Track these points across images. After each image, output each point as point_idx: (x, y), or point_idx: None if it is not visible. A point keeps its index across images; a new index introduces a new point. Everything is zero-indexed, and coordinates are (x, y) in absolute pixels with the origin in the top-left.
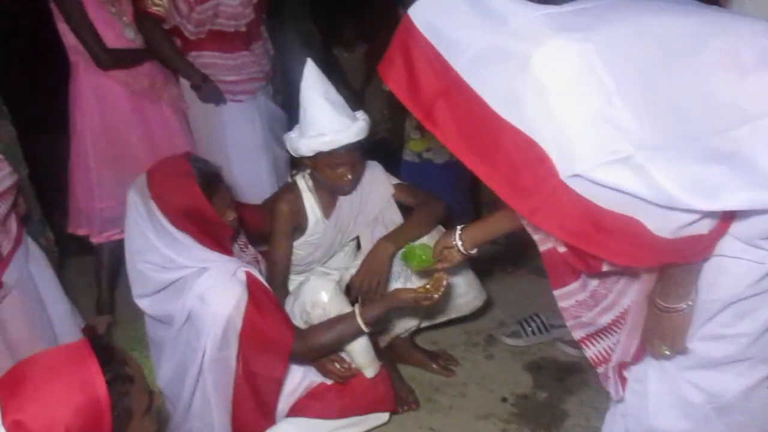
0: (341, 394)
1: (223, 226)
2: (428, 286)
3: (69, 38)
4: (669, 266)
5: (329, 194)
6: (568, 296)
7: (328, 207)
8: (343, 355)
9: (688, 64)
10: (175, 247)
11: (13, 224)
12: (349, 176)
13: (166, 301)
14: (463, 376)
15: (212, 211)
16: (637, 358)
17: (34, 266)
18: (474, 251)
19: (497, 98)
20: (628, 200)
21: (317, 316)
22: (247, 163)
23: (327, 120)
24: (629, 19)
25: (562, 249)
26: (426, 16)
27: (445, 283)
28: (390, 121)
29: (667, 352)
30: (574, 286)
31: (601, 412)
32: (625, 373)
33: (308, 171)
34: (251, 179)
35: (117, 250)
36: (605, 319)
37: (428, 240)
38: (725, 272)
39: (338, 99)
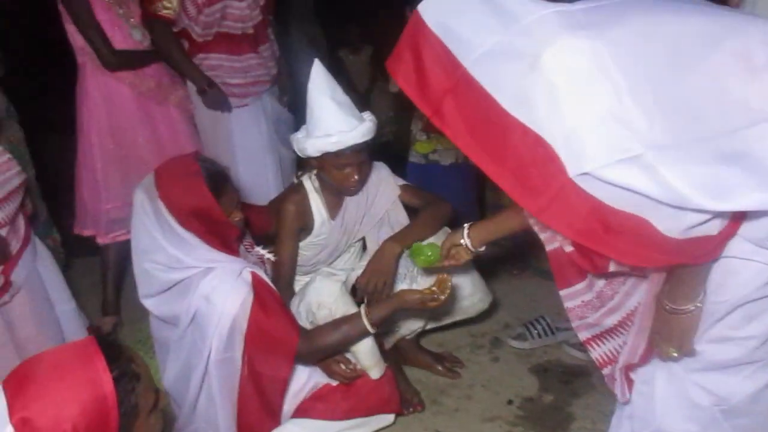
0: (346, 396)
1: (230, 226)
2: (434, 288)
3: (77, 39)
4: (677, 267)
5: (335, 195)
6: (574, 296)
7: (334, 208)
8: (348, 356)
9: (699, 64)
10: (182, 247)
11: (21, 223)
12: (356, 177)
13: (171, 302)
14: (469, 379)
15: (220, 211)
16: (645, 359)
17: (42, 266)
18: (482, 249)
19: (506, 96)
20: (637, 200)
21: (323, 317)
22: (253, 165)
23: (334, 120)
24: (640, 18)
25: (568, 249)
26: (436, 12)
27: (449, 284)
28: (395, 122)
29: (675, 354)
30: (580, 286)
31: (607, 415)
32: (632, 375)
33: (314, 172)
34: (257, 180)
35: (123, 250)
36: (611, 321)
37: (434, 241)
38: (734, 274)
39: (345, 99)
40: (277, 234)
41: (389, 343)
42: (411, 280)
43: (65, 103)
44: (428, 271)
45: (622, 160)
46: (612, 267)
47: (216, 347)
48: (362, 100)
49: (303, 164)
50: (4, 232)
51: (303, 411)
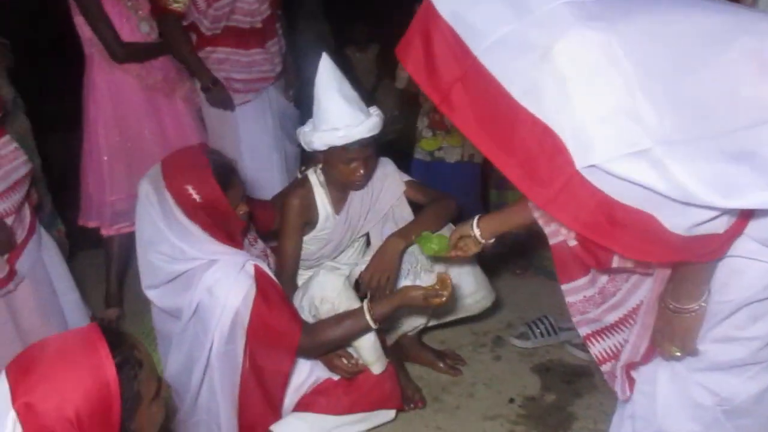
0: (348, 390)
1: (236, 218)
2: (436, 286)
3: (85, 31)
4: (681, 265)
5: (340, 189)
6: (576, 291)
7: (338, 202)
8: (350, 351)
9: (711, 61)
10: (186, 238)
11: (27, 213)
12: (362, 171)
13: (174, 293)
14: (471, 377)
15: (227, 203)
16: (647, 358)
17: (47, 256)
18: (491, 241)
19: (516, 85)
20: (644, 194)
21: (326, 311)
22: (259, 159)
23: (341, 114)
24: (654, 12)
25: (572, 243)
26: (447, 0)
27: (449, 282)
28: (401, 120)
29: (678, 354)
30: (583, 281)
31: (609, 416)
32: (634, 374)
33: (320, 166)
34: (262, 174)
35: (127, 242)
36: (612, 317)
37: None
38: (739, 273)
39: (352, 94)
40: (282, 228)
41: (391, 339)
42: (414, 276)
43: (72, 98)
44: (432, 266)
45: (630, 153)
46: (615, 263)
47: (218, 340)
48: (368, 98)
49: (307, 160)
50: (9, 221)
51: (304, 405)
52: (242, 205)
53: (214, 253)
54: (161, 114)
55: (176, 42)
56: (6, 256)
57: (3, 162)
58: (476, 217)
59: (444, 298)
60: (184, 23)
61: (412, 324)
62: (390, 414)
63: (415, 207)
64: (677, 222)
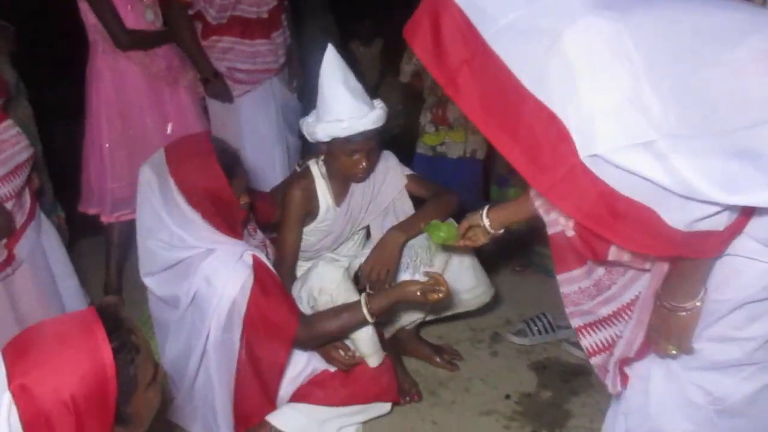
0: (344, 382)
1: (238, 208)
2: (431, 281)
3: (89, 17)
4: (679, 262)
5: (342, 182)
6: (571, 282)
7: (340, 194)
8: (347, 343)
9: (720, 58)
10: (186, 226)
11: (27, 198)
12: (364, 164)
13: (172, 281)
14: (467, 372)
15: (231, 192)
16: (641, 354)
17: (46, 241)
18: (500, 232)
19: (525, 70)
20: (645, 187)
21: (324, 303)
22: (261, 150)
23: (345, 106)
24: (666, 6)
25: (570, 233)
26: None
27: (443, 280)
28: (404, 115)
29: (674, 352)
30: (578, 272)
31: (604, 414)
32: (628, 371)
33: (321, 158)
34: (264, 165)
35: (127, 230)
36: (606, 310)
37: None
38: (738, 273)
39: (357, 86)
40: (282, 218)
41: (389, 332)
42: (414, 269)
43: (75, 87)
44: (432, 260)
45: (634, 145)
46: (611, 255)
47: (215, 329)
48: (372, 93)
49: (306, 154)
50: (9, 205)
51: (301, 396)
52: (244, 196)
53: (212, 242)
54: (164, 102)
55: (180, 31)
56: (5, 241)
57: (4, 146)
58: (486, 207)
59: (441, 294)
60: (190, 12)
61: (410, 318)
62: (386, 407)
63: (417, 201)
64: (677, 217)
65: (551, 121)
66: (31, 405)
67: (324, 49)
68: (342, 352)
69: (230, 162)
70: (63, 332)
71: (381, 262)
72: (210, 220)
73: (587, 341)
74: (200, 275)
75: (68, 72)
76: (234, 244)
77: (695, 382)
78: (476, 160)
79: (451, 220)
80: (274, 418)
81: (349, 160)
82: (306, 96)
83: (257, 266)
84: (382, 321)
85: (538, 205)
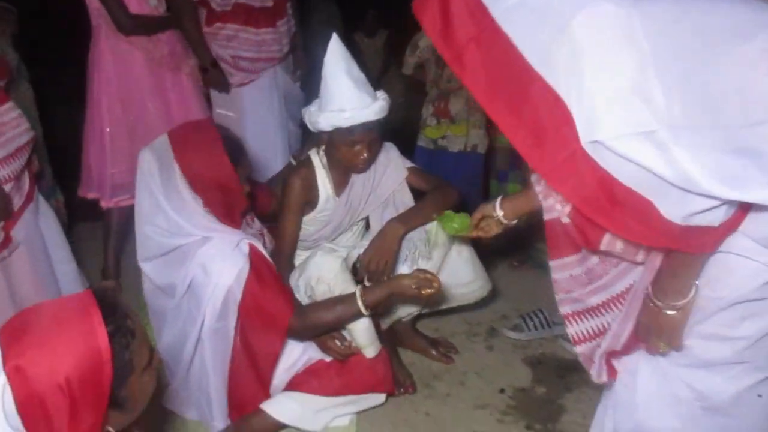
0: (340, 372)
1: (241, 197)
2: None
3: (93, 1)
4: (671, 258)
5: (343, 172)
6: (563, 269)
7: (340, 185)
8: (344, 333)
9: (728, 53)
10: (184, 212)
11: (26, 181)
12: (365, 155)
13: (168, 268)
14: (462, 365)
15: (237, 181)
16: (628, 349)
17: (44, 224)
18: (514, 222)
19: (533, 50)
20: (644, 177)
21: (321, 292)
22: (262, 138)
23: (348, 96)
24: None
25: (565, 220)
26: None
27: (434, 277)
28: (406, 108)
29: (664, 349)
30: (571, 259)
31: None
32: (617, 364)
33: (323, 147)
34: (265, 154)
35: (126, 216)
36: (595, 299)
37: (437, 226)
38: (731, 270)
39: (360, 76)
40: (282, 207)
41: (385, 324)
42: (412, 262)
43: (77, 70)
44: (431, 253)
45: (635, 133)
46: (603, 245)
47: (210, 316)
48: (375, 85)
49: (303, 147)
50: (8, 188)
51: (296, 385)
52: (246, 185)
53: (209, 230)
54: (166, 89)
55: (183, 17)
56: (2, 224)
57: (5, 129)
58: (499, 198)
59: (433, 290)
60: None
61: (407, 310)
62: (380, 398)
63: (417, 194)
64: (674, 211)
65: (556, 104)
66: (26, 386)
67: (328, 39)
68: (338, 342)
69: (235, 150)
70: (59, 315)
71: (379, 254)
72: (211, 208)
73: (573, 329)
74: (196, 263)
75: (70, 55)
76: (231, 232)
77: (683, 378)
78: (477, 155)
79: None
80: (268, 406)
81: (350, 150)
82: (309, 85)
83: (253, 255)
84: (378, 313)
85: (538, 190)
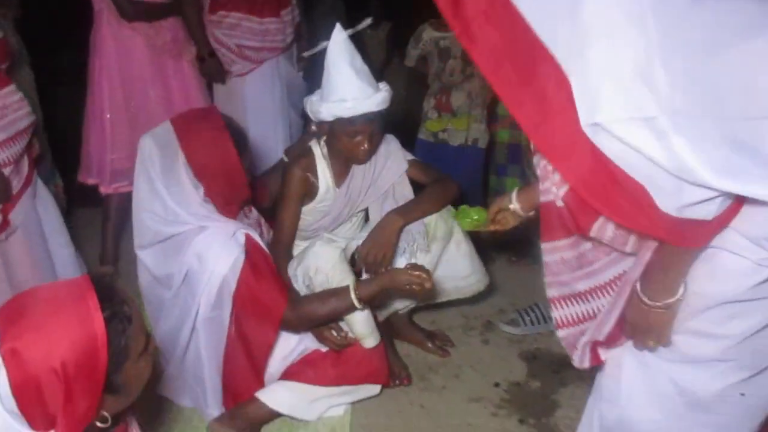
0: (335, 363)
1: (245, 186)
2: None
3: None
4: (661, 253)
5: (343, 163)
6: (554, 251)
7: (340, 176)
8: (342, 324)
9: (735, 46)
10: (182, 200)
11: (25, 164)
12: (366, 146)
13: (164, 257)
14: (458, 359)
15: (242, 170)
16: (611, 341)
17: (42, 208)
18: (531, 213)
19: (543, 27)
20: (640, 163)
21: (319, 282)
22: (264, 127)
23: (350, 86)
24: None
25: (560, 204)
26: None
27: (426, 275)
28: (408, 100)
29: (652, 344)
30: (563, 243)
31: None
32: (603, 354)
33: (324, 138)
34: (265, 143)
35: (125, 202)
36: (583, 285)
37: (436, 219)
38: (722, 267)
39: (363, 67)
40: (281, 197)
41: (382, 316)
42: (410, 254)
43: (78, 55)
44: (429, 246)
45: (635, 118)
46: (593, 232)
47: (204, 305)
48: (377, 76)
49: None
50: (7, 171)
51: (291, 374)
52: (247, 175)
53: (205, 219)
54: (167, 76)
55: (186, 4)
56: (0, 207)
57: (6, 112)
58: (515, 190)
59: (428, 285)
60: None
61: (404, 302)
62: (375, 389)
63: (417, 187)
64: (668, 202)
65: (562, 83)
66: (21, 369)
67: (331, 29)
68: (334, 333)
69: (239, 139)
70: (56, 299)
71: (378, 246)
72: (212, 197)
73: (558, 313)
74: (192, 251)
75: (72, 40)
76: (227, 222)
77: (667, 373)
78: (478, 149)
79: (446, 210)
80: (263, 395)
81: (350, 141)
82: (312, 76)
83: (249, 245)
84: (375, 305)
85: (539, 173)
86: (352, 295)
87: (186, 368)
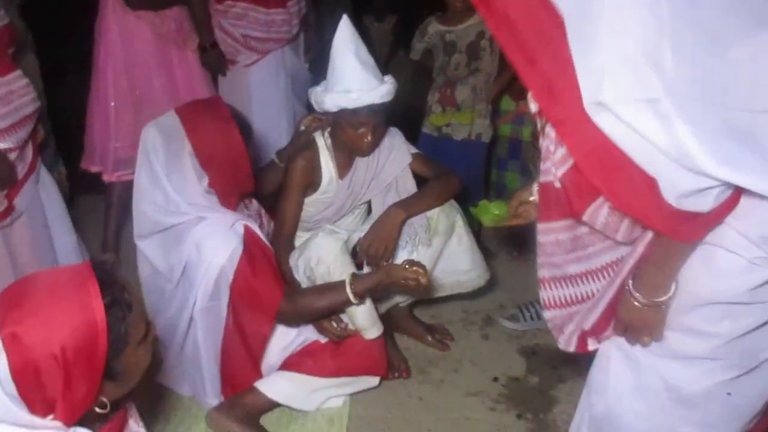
0: (335, 354)
1: (250, 177)
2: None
3: None
4: (655, 248)
5: (347, 155)
6: (549, 232)
7: (343, 167)
8: (342, 316)
9: (747, 38)
10: (183, 190)
11: (29, 150)
12: (369, 138)
13: (163, 247)
14: (457, 353)
15: (248, 160)
16: (596, 332)
17: (45, 195)
18: None
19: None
20: (641, 147)
21: (321, 274)
22: (268, 118)
23: (355, 77)
24: None
25: (557, 185)
26: None
27: (421, 269)
28: (412, 94)
29: (647, 341)
30: (559, 224)
31: None
32: (591, 345)
33: (328, 129)
34: (270, 134)
35: (128, 190)
36: (575, 269)
37: (438, 213)
38: (717, 265)
39: (368, 58)
40: (284, 188)
41: (383, 308)
42: (412, 248)
43: (82, 43)
44: (431, 240)
45: (639, 100)
46: (586, 216)
47: (201, 295)
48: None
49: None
50: (12, 157)
51: (291, 365)
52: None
53: (205, 210)
54: (172, 65)
55: None
56: (5, 192)
57: (12, 97)
58: (536, 182)
59: (423, 280)
60: None
61: (404, 295)
62: (374, 381)
63: (420, 180)
64: (665, 189)
65: (568, 63)
66: (21, 354)
67: (337, 21)
68: (334, 324)
69: (244, 130)
70: (57, 284)
71: (380, 238)
72: (216, 187)
73: (546, 294)
74: (191, 242)
75: (77, 27)
76: (227, 213)
77: (654, 368)
78: (481, 144)
79: (449, 204)
80: (262, 385)
81: (354, 133)
82: (317, 67)
83: (248, 236)
84: (375, 297)
85: (542, 139)
86: (348, 290)
87: (185, 357)
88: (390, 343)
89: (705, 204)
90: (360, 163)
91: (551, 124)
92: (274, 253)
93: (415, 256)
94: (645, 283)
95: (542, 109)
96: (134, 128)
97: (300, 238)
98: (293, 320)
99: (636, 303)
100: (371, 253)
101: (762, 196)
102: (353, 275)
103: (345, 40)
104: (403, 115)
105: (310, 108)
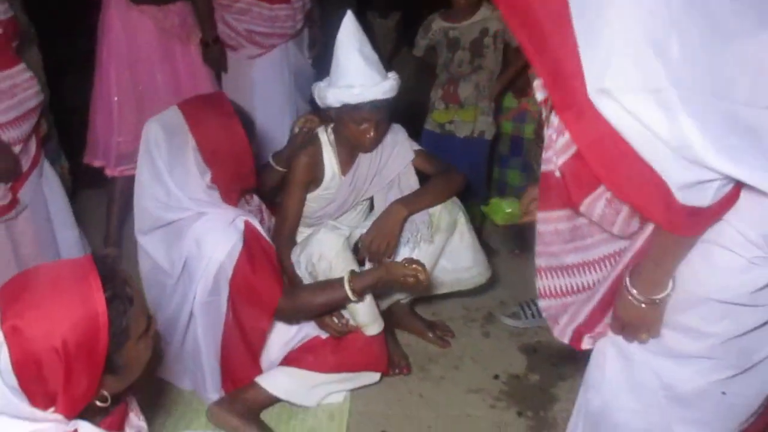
0: (335, 350)
1: (252, 173)
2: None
3: None
4: (654, 243)
5: (349, 151)
6: (549, 221)
7: (346, 163)
8: (344, 312)
9: (749, 33)
10: (184, 185)
11: (33, 144)
12: (372, 134)
13: (164, 243)
14: (458, 350)
15: (252, 156)
16: (588, 327)
17: (47, 188)
18: None
19: None
20: (642, 137)
21: (322, 270)
22: (271, 114)
23: (358, 73)
24: None
25: (558, 174)
26: None
27: (420, 267)
28: (415, 90)
29: (645, 338)
30: (559, 214)
31: None
32: (586, 343)
33: (331, 125)
34: (273, 130)
35: (130, 185)
36: (572, 259)
37: (440, 210)
38: (715, 264)
39: (372, 54)
40: (287, 183)
41: (384, 305)
42: (414, 245)
43: (85, 37)
44: (433, 237)
45: (643, 88)
46: (583, 207)
47: (201, 290)
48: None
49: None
50: (16, 150)
51: (291, 360)
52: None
53: (205, 205)
54: (175, 60)
55: None
56: (9, 185)
57: (17, 90)
58: None
59: (422, 277)
60: None
61: (404, 292)
62: (375, 377)
63: (422, 177)
64: (666, 181)
65: (575, 53)
66: (22, 347)
67: (342, 16)
68: (335, 320)
69: (247, 125)
70: (58, 278)
71: (382, 235)
72: (219, 183)
73: (542, 283)
74: (191, 237)
75: (80, 21)
76: (226, 209)
77: (650, 365)
78: (484, 141)
79: (452, 202)
80: (263, 380)
81: (357, 128)
82: (321, 63)
83: (248, 232)
84: (376, 293)
85: (545, 128)
86: (347, 287)
87: (185, 352)
88: (391, 340)
89: (705, 198)
90: (363, 159)
91: (556, 111)
92: (276, 249)
93: (416, 253)
94: (642, 279)
95: (549, 96)
96: (137, 123)
97: (302, 233)
98: (292, 317)
99: (633, 300)
100: (373, 249)
101: (762, 195)
102: (352, 273)
103: (349, 36)
104: (406, 111)
105: (313, 104)
